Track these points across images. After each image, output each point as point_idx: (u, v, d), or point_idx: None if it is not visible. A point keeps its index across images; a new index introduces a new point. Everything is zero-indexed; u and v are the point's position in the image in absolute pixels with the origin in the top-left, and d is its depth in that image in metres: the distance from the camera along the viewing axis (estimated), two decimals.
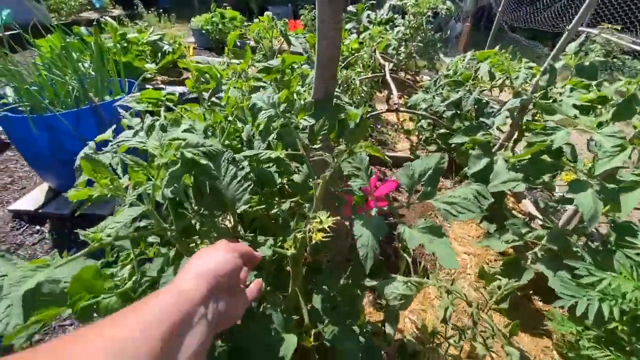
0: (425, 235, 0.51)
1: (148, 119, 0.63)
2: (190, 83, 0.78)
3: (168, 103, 0.73)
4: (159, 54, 3.43)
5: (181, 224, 0.63)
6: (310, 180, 0.95)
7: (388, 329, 0.77)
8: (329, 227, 0.46)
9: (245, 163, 0.56)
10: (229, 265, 0.41)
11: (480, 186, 0.59)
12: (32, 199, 1.94)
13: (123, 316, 0.32)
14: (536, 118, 1.61)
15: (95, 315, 0.73)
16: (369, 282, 0.84)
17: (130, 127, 0.72)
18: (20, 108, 1.71)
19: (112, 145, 0.67)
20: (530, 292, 1.36)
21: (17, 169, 2.29)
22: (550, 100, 1.39)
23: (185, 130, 0.57)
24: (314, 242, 0.46)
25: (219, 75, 0.76)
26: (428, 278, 1.42)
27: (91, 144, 0.69)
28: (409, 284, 0.81)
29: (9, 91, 1.76)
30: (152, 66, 3.07)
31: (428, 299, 1.33)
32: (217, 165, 0.55)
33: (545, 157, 1.07)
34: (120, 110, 0.71)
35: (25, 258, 1.71)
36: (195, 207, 0.64)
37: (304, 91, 0.91)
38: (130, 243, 0.84)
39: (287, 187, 1.01)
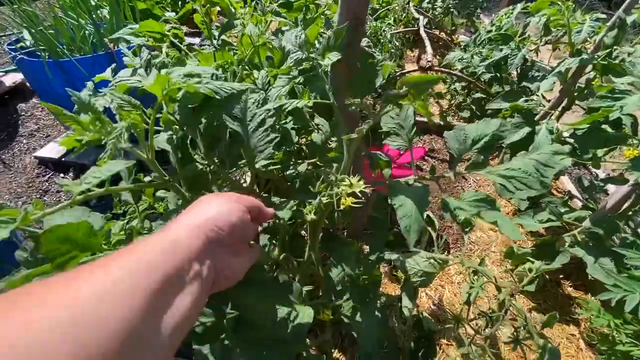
0: (478, 208, 0.43)
1: (145, 53, 0.54)
2: (198, 17, 0.68)
3: (173, 39, 0.64)
4: (179, 2, 3.26)
5: (187, 174, 0.57)
6: (333, 138, 0.86)
7: (405, 305, 0.71)
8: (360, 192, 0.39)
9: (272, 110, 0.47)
10: (232, 217, 0.35)
11: (545, 155, 0.48)
12: (55, 147, 1.97)
13: (103, 263, 0.26)
14: (593, 83, 1.40)
15: None
16: (389, 255, 0.77)
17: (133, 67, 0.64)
18: (37, 52, 1.67)
19: (110, 86, 0.60)
20: (561, 276, 1.27)
21: (43, 117, 2.32)
22: (617, 61, 1.18)
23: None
24: (342, 207, 0.39)
25: (231, 8, 0.66)
26: (449, 253, 1.35)
27: (89, 84, 0.63)
28: (432, 260, 0.74)
29: (26, 34, 1.71)
30: (171, 14, 2.93)
31: (447, 274, 1.26)
32: (244, 106, 0.47)
33: (605, 127, 0.92)
34: (122, 48, 0.63)
35: (51, 205, 1.77)
36: (206, 156, 0.57)
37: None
38: (132, 197, 0.80)
39: (304, 147, 0.93)
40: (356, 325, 0.52)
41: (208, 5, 0.65)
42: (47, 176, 1.89)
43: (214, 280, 0.33)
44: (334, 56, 0.47)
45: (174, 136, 0.57)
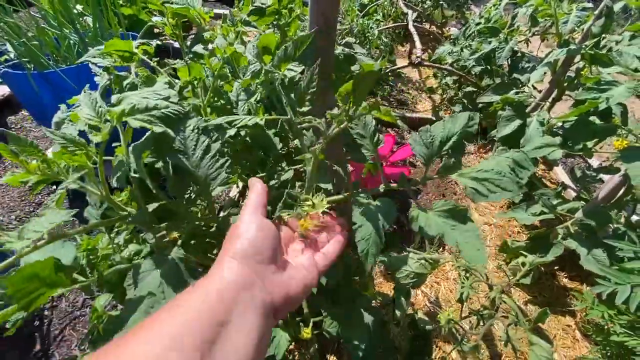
0: (445, 220, 0.40)
1: (104, 78, 0.53)
2: (168, 30, 0.66)
3: (143, 57, 0.62)
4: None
5: (141, 213, 0.55)
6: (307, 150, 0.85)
7: (398, 309, 0.71)
8: (324, 212, 0.38)
9: (228, 132, 0.46)
10: (263, 235, 0.33)
11: (519, 154, 0.47)
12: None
13: (149, 328, 0.25)
14: (582, 73, 1.39)
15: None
16: (378, 257, 0.77)
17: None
18: (22, 65, 1.65)
19: (62, 117, 0.58)
20: (556, 268, 1.27)
21: (32, 129, 2.30)
22: (605, 51, 1.18)
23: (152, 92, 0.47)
24: (301, 230, 0.38)
25: (198, 19, 0.64)
26: (443, 250, 1.35)
27: (63, 107, 0.61)
28: (424, 261, 0.73)
29: (9, 47, 1.69)
30: (158, 19, 2.89)
31: (442, 271, 1.26)
32: (183, 136, 0.45)
33: (593, 119, 0.91)
34: (93, 67, 0.61)
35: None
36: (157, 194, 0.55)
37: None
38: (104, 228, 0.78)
39: (292, 151, 0.92)
40: (344, 336, 0.51)
41: (177, 17, 0.64)
42: (32, 188, 1.87)
43: (274, 303, 0.31)
44: (292, 70, 0.46)
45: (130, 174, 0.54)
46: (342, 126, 0.39)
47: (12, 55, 1.69)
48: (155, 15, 3.29)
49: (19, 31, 1.62)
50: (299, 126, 0.48)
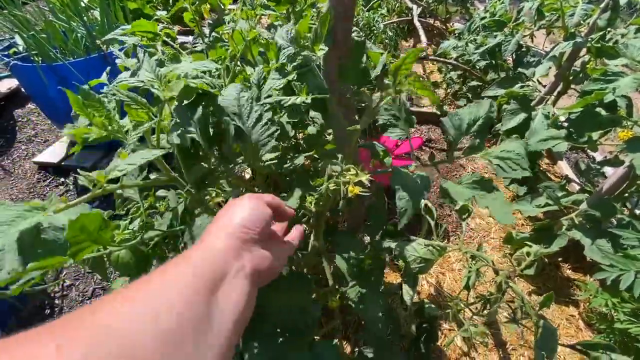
0: (474, 190, 0.44)
1: (141, 52, 0.54)
2: (188, 15, 0.67)
3: (165, 38, 0.64)
4: (170, 1, 3.24)
5: (193, 174, 0.57)
6: (329, 131, 0.86)
7: (405, 293, 0.73)
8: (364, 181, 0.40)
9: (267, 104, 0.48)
10: (256, 215, 0.37)
11: (522, 140, 0.50)
12: (54, 152, 1.97)
13: (148, 281, 0.27)
14: (587, 66, 1.40)
15: (108, 266, 0.71)
16: (387, 243, 0.78)
17: (127, 69, 0.64)
18: (31, 57, 1.67)
19: (109, 88, 0.60)
20: (559, 259, 1.28)
21: (40, 122, 2.32)
22: (610, 44, 1.18)
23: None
24: (350, 196, 0.40)
25: (221, 4, 0.65)
26: (449, 241, 1.36)
27: (85, 87, 0.63)
28: (431, 247, 0.75)
29: (18, 39, 1.70)
30: (162, 13, 2.90)
31: (447, 262, 1.28)
32: (238, 104, 0.47)
33: (599, 110, 0.92)
34: (114, 50, 0.63)
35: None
36: (215, 153, 0.57)
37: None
38: (138, 194, 0.81)
39: (301, 142, 0.93)
40: (363, 311, 0.54)
41: (197, 2, 0.65)
42: (48, 181, 1.90)
43: (259, 273, 0.35)
44: (323, 50, 0.48)
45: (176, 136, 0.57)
46: (384, 101, 0.41)
47: (20, 48, 1.70)
48: (159, 10, 3.31)
49: (28, 24, 1.64)
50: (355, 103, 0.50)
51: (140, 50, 0.55)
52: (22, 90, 2.44)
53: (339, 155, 0.50)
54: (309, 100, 0.50)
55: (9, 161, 1.98)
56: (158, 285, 0.26)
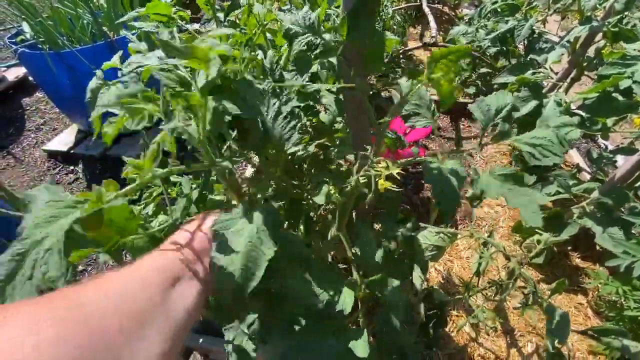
0: (505, 183, 0.44)
1: (165, 33, 0.54)
2: (201, 1, 0.66)
3: (180, 22, 0.63)
4: None
5: (228, 159, 0.57)
6: (339, 119, 0.85)
7: (416, 278, 0.73)
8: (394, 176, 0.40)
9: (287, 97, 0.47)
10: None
11: (559, 129, 0.50)
12: (63, 140, 1.99)
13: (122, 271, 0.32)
14: (604, 51, 1.36)
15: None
16: (401, 230, 0.79)
17: (139, 52, 0.64)
18: (39, 45, 1.66)
19: (126, 72, 0.59)
20: (569, 248, 1.28)
21: (48, 110, 2.33)
22: (628, 27, 1.15)
23: None
24: (380, 189, 0.40)
25: None
26: (457, 229, 1.36)
27: (99, 72, 0.63)
28: (442, 234, 0.75)
29: (25, 27, 1.70)
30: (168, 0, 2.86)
31: (456, 250, 1.28)
32: (257, 97, 0.46)
33: (616, 95, 0.90)
34: (127, 34, 0.62)
35: None
36: (234, 147, 0.57)
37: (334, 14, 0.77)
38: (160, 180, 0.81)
39: (310, 129, 0.93)
40: (388, 299, 0.54)
41: None
42: (58, 169, 1.92)
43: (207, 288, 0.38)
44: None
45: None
46: (419, 87, 0.41)
47: (27, 36, 1.70)
48: None
49: (35, 11, 1.63)
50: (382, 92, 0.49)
51: (164, 32, 0.54)
52: (30, 78, 2.44)
53: (368, 148, 0.49)
54: (334, 89, 0.49)
55: (19, 149, 2.01)
56: (127, 276, 0.32)
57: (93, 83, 0.53)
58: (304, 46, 0.48)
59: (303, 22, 0.50)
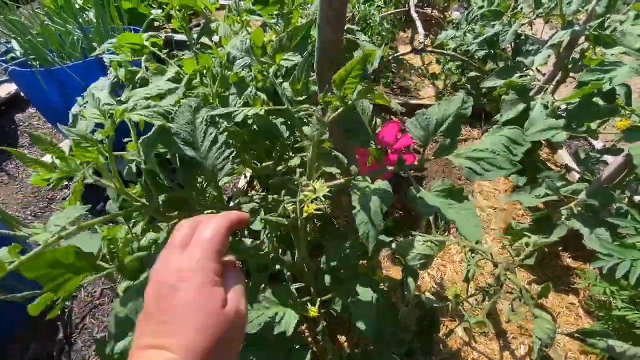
0: (442, 199, 0.43)
1: (111, 75, 0.55)
2: (176, 23, 0.68)
3: (153, 48, 0.64)
4: None
5: (156, 202, 0.57)
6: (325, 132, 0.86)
7: (406, 289, 0.74)
8: (324, 196, 0.40)
9: (224, 125, 0.48)
10: (217, 296, 0.31)
11: (512, 130, 0.49)
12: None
13: None
14: (586, 54, 1.39)
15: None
16: (385, 239, 0.79)
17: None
18: (29, 62, 1.67)
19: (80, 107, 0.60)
20: (559, 248, 1.29)
21: (41, 126, 2.33)
22: (609, 31, 1.18)
23: (168, 80, 0.49)
24: (305, 214, 0.40)
25: (205, 10, 0.65)
26: (449, 234, 1.38)
27: (79, 100, 0.64)
28: (430, 243, 0.76)
29: (15, 44, 1.70)
30: (157, 12, 2.87)
31: (448, 254, 1.29)
32: (192, 128, 0.46)
33: (597, 100, 0.92)
34: (106, 59, 0.63)
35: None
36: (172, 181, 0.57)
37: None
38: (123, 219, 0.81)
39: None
40: (351, 312, 0.54)
41: (183, 9, 0.65)
42: (52, 184, 1.92)
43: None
44: (288, 60, 0.47)
45: (141, 165, 0.56)
46: (337, 112, 0.41)
47: (17, 53, 1.70)
48: (154, 8, 3.28)
49: (24, 28, 1.63)
50: (296, 115, 0.50)
51: (111, 72, 0.55)
52: (22, 94, 2.44)
53: (298, 170, 0.50)
54: (262, 112, 0.50)
55: (12, 166, 2.00)
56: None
57: (74, 109, 0.54)
58: (239, 69, 0.49)
59: (241, 45, 0.51)
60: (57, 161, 0.48)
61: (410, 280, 0.73)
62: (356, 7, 1.92)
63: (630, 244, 0.72)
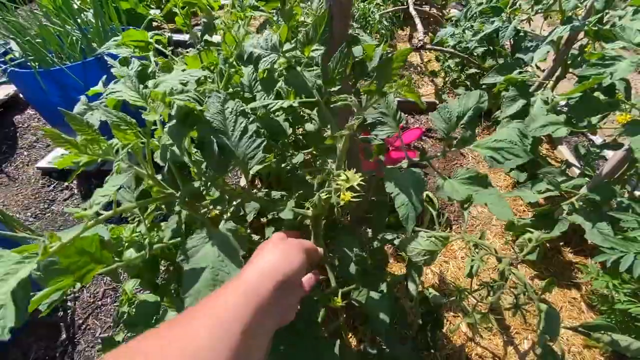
0: (470, 186, 0.45)
1: (135, 64, 0.55)
2: (180, 20, 0.68)
3: (157, 46, 0.64)
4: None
5: (188, 189, 0.58)
6: (326, 130, 0.86)
7: (410, 284, 0.74)
8: (358, 185, 0.40)
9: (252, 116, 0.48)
10: (294, 264, 0.39)
11: (520, 123, 0.51)
12: (57, 157, 1.98)
13: (192, 317, 0.31)
14: (586, 50, 1.39)
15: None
16: (389, 236, 0.80)
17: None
18: (28, 63, 1.66)
19: (100, 100, 0.60)
20: (561, 243, 1.30)
21: (40, 127, 2.33)
22: (608, 26, 1.18)
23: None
24: (342, 203, 0.40)
25: (209, 7, 0.65)
26: (451, 230, 1.38)
27: (83, 98, 0.63)
28: (434, 238, 0.76)
29: (13, 45, 1.70)
30: (156, 12, 2.87)
31: (451, 250, 1.29)
32: (223, 117, 0.47)
33: (598, 94, 0.92)
34: (108, 59, 0.63)
35: (59, 214, 1.80)
36: (202, 169, 0.58)
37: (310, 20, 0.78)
38: (139, 211, 0.82)
39: (301, 137, 0.94)
40: (367, 308, 0.55)
41: (186, 7, 0.65)
42: (52, 186, 1.91)
43: (280, 318, 0.37)
44: (317, 50, 0.48)
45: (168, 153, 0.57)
46: (373, 101, 0.42)
47: (16, 54, 1.70)
48: (152, 8, 3.26)
49: (22, 29, 1.63)
50: (332, 105, 0.50)
51: (134, 61, 0.55)
52: (20, 96, 2.44)
53: (329, 161, 0.51)
54: (296, 104, 0.51)
55: (12, 168, 2.00)
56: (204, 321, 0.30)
57: (78, 107, 0.54)
58: (268, 65, 0.49)
59: (266, 43, 0.51)
60: (89, 144, 0.47)
61: (414, 275, 0.73)
62: (355, 4, 1.92)
63: (633, 237, 0.73)
